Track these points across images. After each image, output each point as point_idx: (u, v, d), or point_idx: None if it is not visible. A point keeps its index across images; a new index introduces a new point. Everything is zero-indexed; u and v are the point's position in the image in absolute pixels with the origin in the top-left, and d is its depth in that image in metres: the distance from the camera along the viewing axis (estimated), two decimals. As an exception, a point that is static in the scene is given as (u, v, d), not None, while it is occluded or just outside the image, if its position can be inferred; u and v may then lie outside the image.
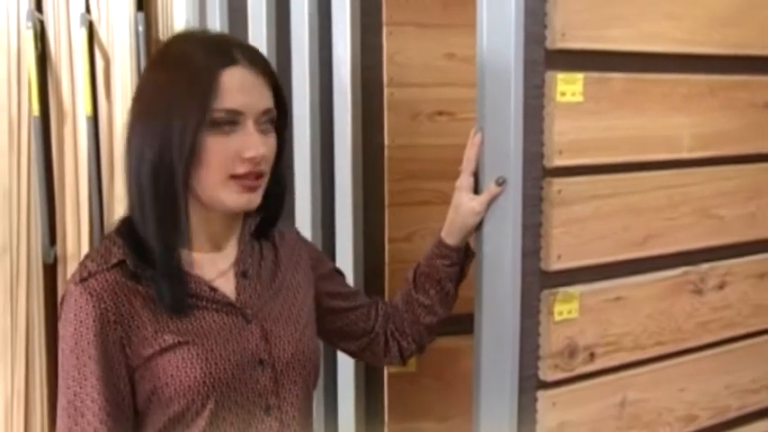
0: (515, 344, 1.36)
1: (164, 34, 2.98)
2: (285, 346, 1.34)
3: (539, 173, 1.34)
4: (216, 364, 1.25)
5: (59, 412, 1.21)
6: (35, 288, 3.00)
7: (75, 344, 1.19)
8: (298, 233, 1.55)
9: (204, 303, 1.26)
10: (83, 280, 1.21)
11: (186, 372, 1.23)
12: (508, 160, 1.31)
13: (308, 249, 1.53)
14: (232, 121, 1.22)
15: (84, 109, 2.91)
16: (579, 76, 1.34)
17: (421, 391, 1.98)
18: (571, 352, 1.40)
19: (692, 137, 1.51)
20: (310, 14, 1.93)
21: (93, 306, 1.20)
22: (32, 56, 2.81)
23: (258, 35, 2.08)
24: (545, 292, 1.37)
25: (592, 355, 1.43)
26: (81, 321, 1.20)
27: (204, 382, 1.24)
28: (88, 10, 2.93)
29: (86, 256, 1.26)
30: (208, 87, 1.20)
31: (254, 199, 1.27)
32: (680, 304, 1.54)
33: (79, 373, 1.19)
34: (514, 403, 1.36)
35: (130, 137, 1.25)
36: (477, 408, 1.41)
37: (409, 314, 1.55)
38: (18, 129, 2.91)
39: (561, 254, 1.36)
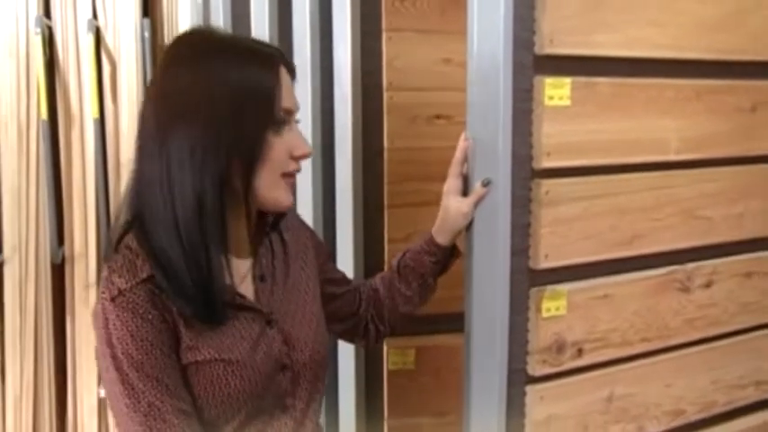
0: (504, 339, 1.39)
1: (169, 40, 2.99)
2: (303, 347, 1.35)
3: (527, 174, 1.38)
4: (249, 379, 1.24)
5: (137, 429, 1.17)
6: (43, 287, 3.04)
7: (132, 357, 1.16)
8: (297, 216, 1.55)
9: (234, 312, 1.25)
10: (115, 297, 1.17)
11: (221, 387, 1.23)
12: (497, 162, 1.35)
13: (310, 235, 1.54)
14: (285, 120, 1.23)
15: (91, 112, 2.97)
16: (567, 80, 1.38)
17: (419, 388, 2.03)
18: (559, 347, 1.44)
19: (679, 139, 1.55)
20: (312, 20, 1.98)
21: (140, 317, 1.17)
22: (41, 61, 2.87)
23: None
24: (533, 290, 1.41)
25: (579, 351, 1.46)
26: (132, 335, 1.16)
27: (238, 397, 1.25)
28: (95, 16, 2.98)
29: (110, 272, 1.19)
30: (273, 88, 1.21)
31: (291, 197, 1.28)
32: (666, 302, 1.57)
33: (144, 384, 1.16)
34: (503, 397, 1.40)
35: (165, 138, 1.18)
36: (467, 401, 1.45)
37: (389, 301, 1.59)
38: (27, 132, 2.96)
39: (549, 253, 1.40)
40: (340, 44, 1.88)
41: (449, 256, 1.57)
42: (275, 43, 2.04)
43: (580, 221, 1.43)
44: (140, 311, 1.16)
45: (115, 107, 3.01)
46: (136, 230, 1.21)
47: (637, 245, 1.51)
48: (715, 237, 1.63)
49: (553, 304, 1.41)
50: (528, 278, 1.41)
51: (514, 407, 1.43)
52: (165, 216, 1.18)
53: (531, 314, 1.41)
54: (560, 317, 1.43)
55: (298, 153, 1.25)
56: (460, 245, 1.53)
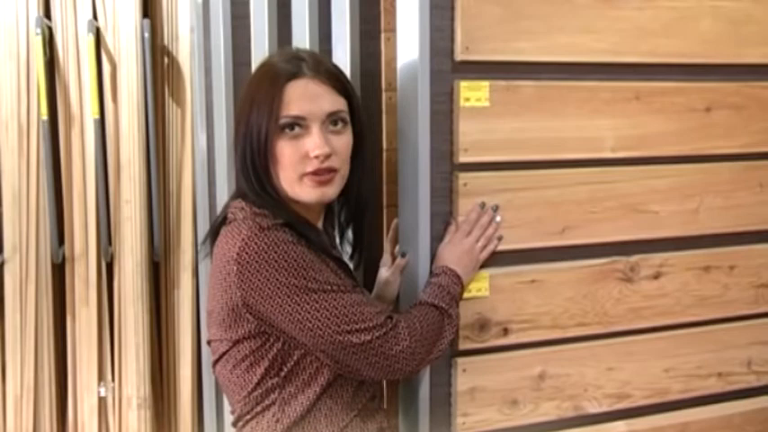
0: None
1: (168, 40, 3.15)
2: None
3: (447, 168, 1.52)
4: None
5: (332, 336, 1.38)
6: (44, 287, 3.09)
7: (303, 260, 1.37)
8: None
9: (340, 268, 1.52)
10: (268, 228, 1.38)
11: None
12: (418, 157, 1.50)
13: None
14: (298, 125, 1.44)
15: (91, 112, 3.02)
16: (484, 84, 1.52)
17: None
18: (482, 326, 1.61)
19: (616, 138, 1.67)
20: (311, 21, 2.02)
21: (297, 241, 1.39)
22: (41, 61, 2.93)
23: (260, 42, 2.21)
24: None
25: (505, 330, 1.61)
26: (300, 244, 1.39)
27: None
28: (95, 17, 3.06)
29: (253, 217, 1.43)
30: (276, 98, 1.43)
31: (328, 192, 1.47)
32: (606, 290, 1.71)
33: (324, 278, 1.38)
34: (427, 367, 1.59)
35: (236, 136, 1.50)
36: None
37: None
38: (27, 132, 3.01)
39: None
40: (339, 45, 1.98)
41: None
42: (275, 45, 2.19)
43: (505, 212, 1.65)
44: (297, 238, 1.41)
45: (115, 107, 3.09)
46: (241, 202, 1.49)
47: (569, 235, 1.66)
48: (664, 231, 1.76)
49: (474, 286, 1.58)
50: (450, 262, 1.53)
51: (441, 377, 1.63)
52: (256, 195, 1.47)
53: (455, 294, 1.62)
54: (483, 298, 1.62)
55: (311, 154, 1.44)
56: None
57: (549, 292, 1.68)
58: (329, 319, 1.37)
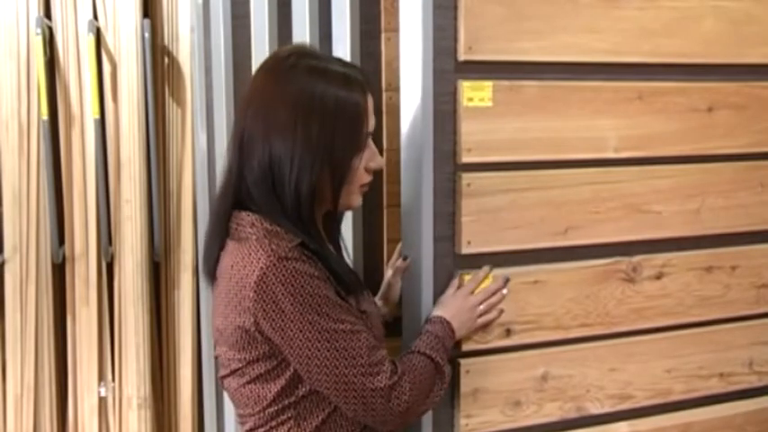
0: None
1: (169, 40, 3.12)
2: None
3: (451, 168, 1.49)
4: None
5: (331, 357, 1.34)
6: (44, 287, 3.07)
7: (319, 296, 1.34)
8: None
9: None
10: (286, 258, 1.33)
11: None
12: (421, 156, 1.47)
13: None
14: (367, 143, 1.44)
15: (91, 112, 3.00)
16: (487, 83, 1.49)
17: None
18: (484, 327, 1.52)
19: (619, 138, 1.64)
20: (311, 21, 2.00)
21: (314, 268, 1.36)
22: (41, 61, 2.91)
23: (260, 41, 2.19)
24: (458, 272, 1.51)
25: (508, 331, 1.57)
26: (316, 277, 1.35)
27: None
28: (96, 17, 3.04)
29: (269, 238, 1.37)
30: (362, 119, 1.41)
31: None
32: (608, 290, 1.67)
33: (338, 316, 1.35)
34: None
35: (269, 145, 1.37)
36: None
37: None
38: (27, 132, 2.99)
39: (471, 240, 1.55)
40: (339, 45, 1.95)
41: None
42: (275, 45, 2.16)
43: (507, 212, 1.56)
44: (312, 265, 1.37)
45: (115, 107, 3.07)
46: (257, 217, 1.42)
47: (572, 235, 1.62)
48: (666, 231, 1.72)
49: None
50: (454, 262, 1.52)
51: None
52: (272, 208, 1.40)
53: (455, 295, 1.60)
54: (485, 299, 1.51)
55: (372, 166, 1.46)
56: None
57: (551, 293, 1.64)
58: (338, 359, 1.34)
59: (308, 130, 1.36)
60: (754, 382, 1.89)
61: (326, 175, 1.39)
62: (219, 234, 1.46)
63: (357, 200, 1.47)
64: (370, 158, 1.45)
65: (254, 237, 1.38)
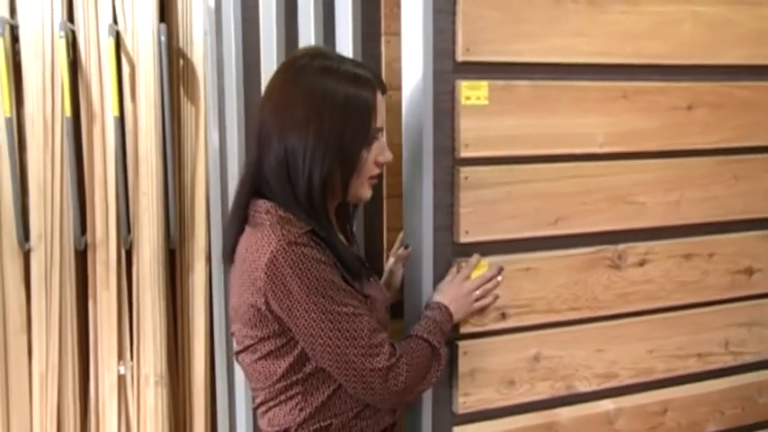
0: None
1: (183, 44, 3.11)
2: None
3: (449, 162, 1.47)
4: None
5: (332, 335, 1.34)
6: (67, 273, 3.05)
7: (325, 280, 1.34)
8: None
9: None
10: (296, 243, 1.34)
11: None
12: (422, 151, 1.45)
13: None
14: (376, 137, 1.44)
15: (111, 110, 2.99)
16: (484, 83, 1.47)
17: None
18: (481, 311, 1.51)
19: (605, 134, 1.63)
20: (316, 24, 2.00)
21: (321, 254, 1.36)
22: (65, 62, 2.89)
23: (268, 43, 2.19)
24: (456, 260, 1.49)
25: (503, 315, 1.56)
26: (323, 262, 1.35)
27: None
28: (116, 21, 3.02)
29: (281, 224, 1.38)
30: (371, 114, 1.41)
31: None
32: (595, 277, 1.67)
33: (341, 300, 1.35)
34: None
35: (284, 142, 1.38)
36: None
37: None
38: (52, 128, 2.96)
39: (469, 229, 1.55)
40: (342, 46, 1.95)
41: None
42: (282, 46, 2.16)
43: (502, 203, 1.56)
44: (321, 251, 1.37)
45: (134, 106, 3.03)
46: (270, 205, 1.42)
47: (562, 225, 1.62)
48: (649, 221, 1.73)
49: (474, 273, 1.47)
50: (452, 251, 1.50)
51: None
52: (287, 197, 1.40)
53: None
54: (482, 285, 1.50)
55: (381, 160, 1.46)
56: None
57: (543, 279, 1.64)
58: (340, 339, 1.35)
59: (319, 125, 1.37)
60: (729, 361, 1.90)
61: (337, 167, 1.40)
62: (239, 220, 1.48)
63: (367, 192, 1.47)
64: (380, 152, 1.46)
65: (267, 222, 1.40)
